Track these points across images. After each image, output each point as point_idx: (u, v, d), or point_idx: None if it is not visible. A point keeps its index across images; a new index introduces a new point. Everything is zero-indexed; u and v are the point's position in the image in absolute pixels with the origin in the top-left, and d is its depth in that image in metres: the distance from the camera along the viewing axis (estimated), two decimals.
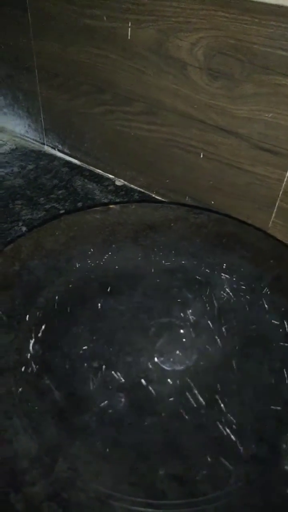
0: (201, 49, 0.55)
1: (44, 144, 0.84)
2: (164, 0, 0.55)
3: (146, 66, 0.62)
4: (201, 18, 0.53)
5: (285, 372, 0.42)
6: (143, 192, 0.74)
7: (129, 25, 0.60)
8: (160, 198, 0.73)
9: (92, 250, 0.53)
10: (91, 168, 0.79)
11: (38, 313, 0.46)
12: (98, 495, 0.33)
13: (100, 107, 0.70)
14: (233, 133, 0.59)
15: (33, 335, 0.44)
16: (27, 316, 0.45)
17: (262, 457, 0.36)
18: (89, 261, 0.52)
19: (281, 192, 0.59)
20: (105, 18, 0.61)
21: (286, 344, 0.44)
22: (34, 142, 0.85)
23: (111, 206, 0.55)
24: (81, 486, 0.34)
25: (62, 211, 0.69)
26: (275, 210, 0.62)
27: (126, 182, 0.76)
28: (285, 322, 0.46)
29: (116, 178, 0.77)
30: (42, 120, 0.80)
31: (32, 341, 0.44)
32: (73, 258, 0.52)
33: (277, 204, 0.61)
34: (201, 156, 0.64)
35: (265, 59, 0.52)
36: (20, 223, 0.66)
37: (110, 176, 0.77)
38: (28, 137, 0.85)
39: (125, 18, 0.59)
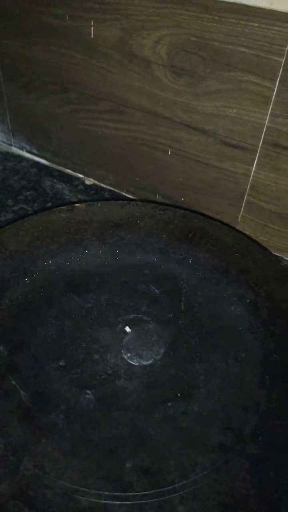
0: (164, 47, 0.56)
1: (11, 145, 0.83)
2: None
3: (110, 65, 0.62)
4: (162, 16, 0.54)
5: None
6: (113, 190, 0.74)
7: (92, 24, 0.60)
8: (130, 196, 0.73)
9: (57, 249, 0.53)
10: (60, 168, 0.79)
11: (2, 314, 0.45)
12: (64, 491, 0.33)
13: (66, 106, 0.70)
14: (199, 130, 0.59)
15: None
16: None
17: (227, 446, 0.37)
18: (54, 261, 0.52)
19: (248, 187, 0.60)
20: (67, 17, 0.61)
21: (250, 335, 0.45)
22: (1, 143, 0.84)
23: (76, 205, 0.55)
24: (47, 483, 0.34)
25: (30, 212, 0.69)
26: (243, 204, 0.62)
27: (95, 181, 0.76)
28: (249, 313, 0.46)
29: (86, 178, 0.77)
30: (9, 121, 0.79)
31: None
32: (38, 258, 0.51)
33: (245, 198, 0.62)
34: (169, 153, 0.64)
35: (227, 56, 0.52)
36: None
37: (80, 175, 0.77)
38: None
39: (87, 17, 0.59)
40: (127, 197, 0.73)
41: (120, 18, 0.57)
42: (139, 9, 0.55)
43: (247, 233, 0.64)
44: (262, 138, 0.55)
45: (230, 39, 0.51)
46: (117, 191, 0.74)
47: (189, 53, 0.54)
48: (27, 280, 0.49)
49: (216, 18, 0.51)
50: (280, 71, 0.50)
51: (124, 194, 0.73)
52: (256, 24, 0.49)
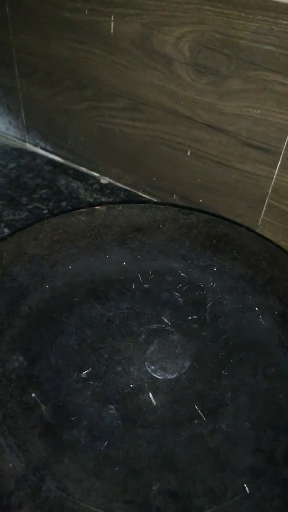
0: (187, 43, 0.54)
1: (25, 141, 0.81)
2: None
3: (130, 61, 0.60)
4: (186, 12, 0.52)
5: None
6: (129, 190, 0.73)
7: (112, 18, 0.58)
8: (147, 197, 0.71)
9: (77, 254, 0.51)
10: (75, 166, 0.77)
11: (21, 322, 0.44)
12: None
13: (83, 103, 0.68)
14: (221, 130, 0.58)
15: (16, 346, 0.42)
16: (10, 325, 0.43)
17: (259, 468, 0.35)
18: (74, 266, 0.50)
19: (270, 190, 0.59)
20: (86, 12, 0.59)
21: (280, 349, 0.43)
22: (15, 139, 0.82)
23: (97, 207, 0.53)
24: (71, 506, 0.32)
25: (45, 211, 0.67)
26: (264, 208, 0.61)
27: (111, 180, 0.74)
28: (278, 326, 0.45)
29: (101, 176, 0.75)
30: (23, 117, 0.78)
31: (15, 353, 0.42)
32: (58, 263, 0.50)
33: (266, 201, 0.60)
34: (189, 153, 0.63)
35: (252, 54, 0.50)
36: (2, 225, 0.64)
37: (95, 174, 0.76)
38: (9, 134, 0.83)
39: (107, 12, 0.57)
40: (143, 197, 0.72)
41: (141, 13, 0.55)
42: (161, 4, 0.53)
43: (268, 237, 0.62)
44: (286, 140, 0.54)
45: (257, 37, 0.49)
46: (134, 190, 0.72)
47: (213, 51, 0.53)
48: (47, 286, 0.47)
49: (243, 15, 0.49)
50: None
51: (140, 194, 0.72)
52: (284, 22, 0.47)
